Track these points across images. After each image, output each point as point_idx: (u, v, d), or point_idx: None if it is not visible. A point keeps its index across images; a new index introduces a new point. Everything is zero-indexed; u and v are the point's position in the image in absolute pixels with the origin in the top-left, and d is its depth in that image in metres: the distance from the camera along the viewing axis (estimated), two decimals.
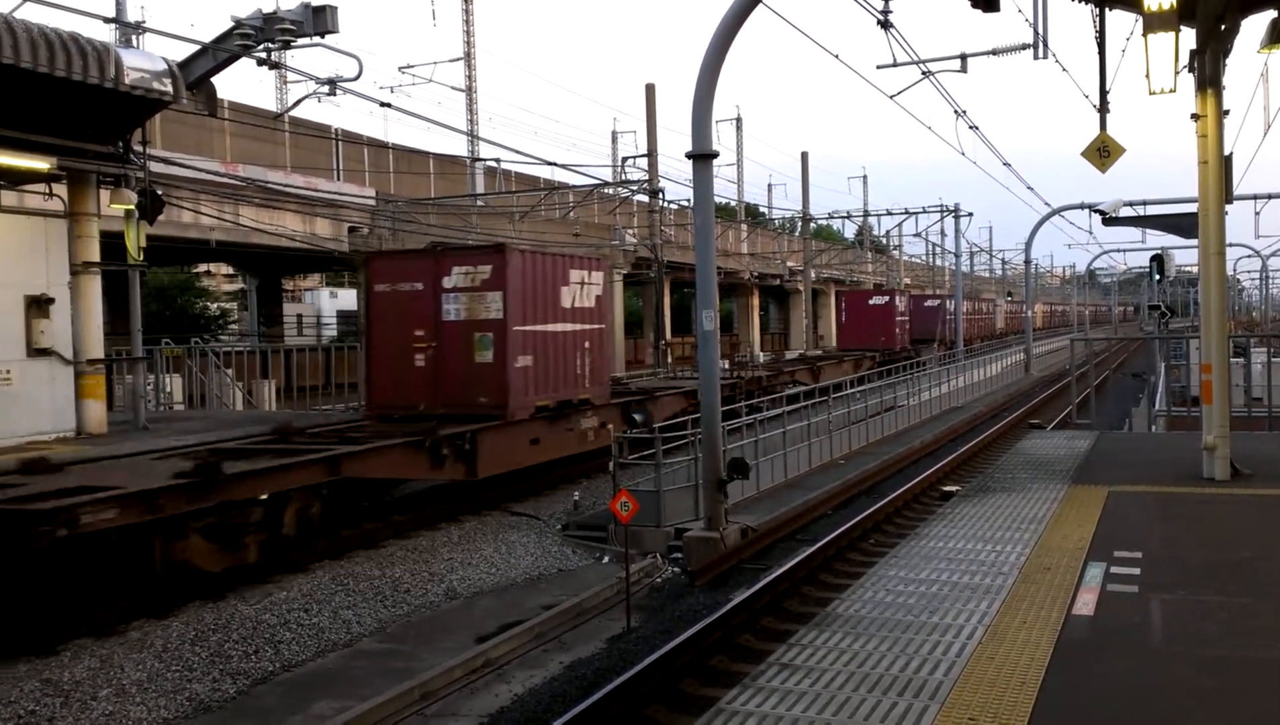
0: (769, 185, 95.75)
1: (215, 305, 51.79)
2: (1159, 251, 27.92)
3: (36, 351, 12.99)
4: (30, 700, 8.35)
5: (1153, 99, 11.09)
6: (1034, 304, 55.98)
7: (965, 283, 55.79)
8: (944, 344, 47.88)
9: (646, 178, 33.47)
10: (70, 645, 9.39)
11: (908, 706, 5.18)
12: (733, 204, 62.67)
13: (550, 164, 37.06)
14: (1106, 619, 6.46)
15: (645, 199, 35.46)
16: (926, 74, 19.46)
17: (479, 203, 35.38)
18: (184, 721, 8.46)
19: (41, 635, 9.38)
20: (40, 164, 12.61)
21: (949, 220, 48.12)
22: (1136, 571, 7.50)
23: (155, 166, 15.34)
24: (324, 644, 10.21)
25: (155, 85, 12.94)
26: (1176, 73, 10.62)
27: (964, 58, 20.20)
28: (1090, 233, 74.93)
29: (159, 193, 14.63)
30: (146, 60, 13.05)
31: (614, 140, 57.99)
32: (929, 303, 52.65)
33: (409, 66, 39.83)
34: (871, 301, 44.03)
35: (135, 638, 9.69)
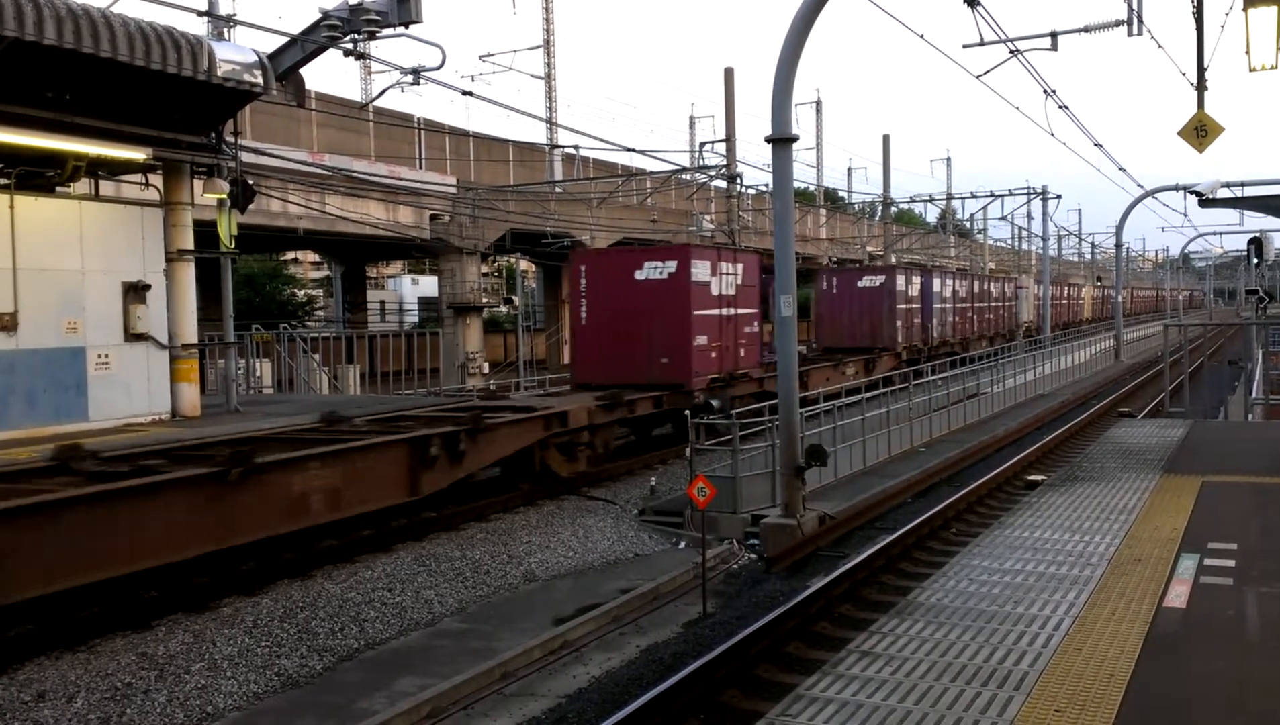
0: (849, 169, 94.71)
1: (302, 292, 53.18)
2: (1257, 234, 26.84)
3: (133, 336, 13.41)
4: (126, 673, 8.69)
5: (1253, 76, 10.71)
6: (1107, 290, 51.29)
7: (1052, 267, 53.79)
8: (895, 354, 30.47)
9: (724, 163, 33.28)
10: (165, 620, 9.75)
11: (991, 697, 5.10)
12: (812, 188, 62.00)
13: (628, 150, 37.00)
14: (1200, 612, 6.27)
15: (723, 184, 35.27)
16: (1015, 52, 18.96)
17: (557, 190, 35.58)
18: (273, 696, 8.71)
19: (138, 610, 9.76)
20: (137, 155, 13.02)
21: (1036, 203, 46.84)
22: (1231, 564, 7.27)
23: (246, 157, 15.71)
24: (407, 623, 10.42)
25: (246, 77, 13.25)
26: (1279, 48, 10.27)
27: (1054, 35, 19.59)
28: (1185, 215, 72.33)
29: (250, 182, 15.00)
30: (238, 53, 13.36)
31: (691, 125, 57.68)
32: (866, 281, 31.92)
33: (489, 55, 40.16)
34: (640, 271, 18.91)
35: (227, 613, 10.03)
